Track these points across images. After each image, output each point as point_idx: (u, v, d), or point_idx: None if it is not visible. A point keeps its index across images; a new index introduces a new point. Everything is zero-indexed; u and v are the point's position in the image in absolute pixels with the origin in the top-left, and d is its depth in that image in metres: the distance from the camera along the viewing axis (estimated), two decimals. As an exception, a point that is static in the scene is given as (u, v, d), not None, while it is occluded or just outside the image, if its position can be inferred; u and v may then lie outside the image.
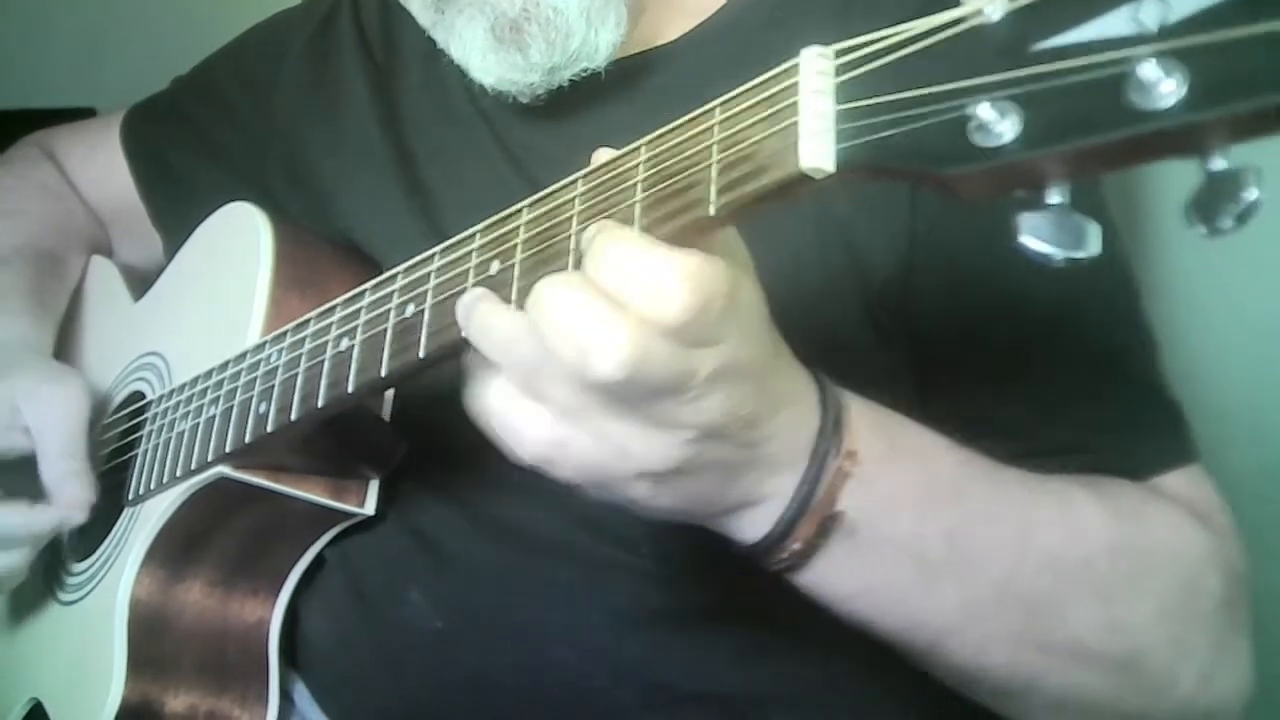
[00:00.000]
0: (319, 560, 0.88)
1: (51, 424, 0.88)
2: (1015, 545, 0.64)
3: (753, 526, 0.60)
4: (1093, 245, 0.43)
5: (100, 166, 1.12)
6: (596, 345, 0.50)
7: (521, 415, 0.54)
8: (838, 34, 0.77)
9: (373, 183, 0.93)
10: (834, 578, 0.61)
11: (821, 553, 0.60)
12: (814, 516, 0.59)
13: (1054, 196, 0.43)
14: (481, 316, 0.57)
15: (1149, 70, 0.39)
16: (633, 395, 0.52)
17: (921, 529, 0.62)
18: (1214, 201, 0.40)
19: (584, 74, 0.79)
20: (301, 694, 0.91)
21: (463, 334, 0.60)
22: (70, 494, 0.87)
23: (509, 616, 0.82)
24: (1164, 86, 0.39)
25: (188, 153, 1.08)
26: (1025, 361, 0.73)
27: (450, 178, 0.91)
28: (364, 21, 1.01)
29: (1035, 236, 0.43)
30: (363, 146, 0.95)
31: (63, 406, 0.89)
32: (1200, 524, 0.70)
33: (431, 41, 0.95)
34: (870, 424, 0.61)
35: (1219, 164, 0.40)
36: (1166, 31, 0.39)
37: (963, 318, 0.74)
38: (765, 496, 0.59)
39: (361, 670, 0.86)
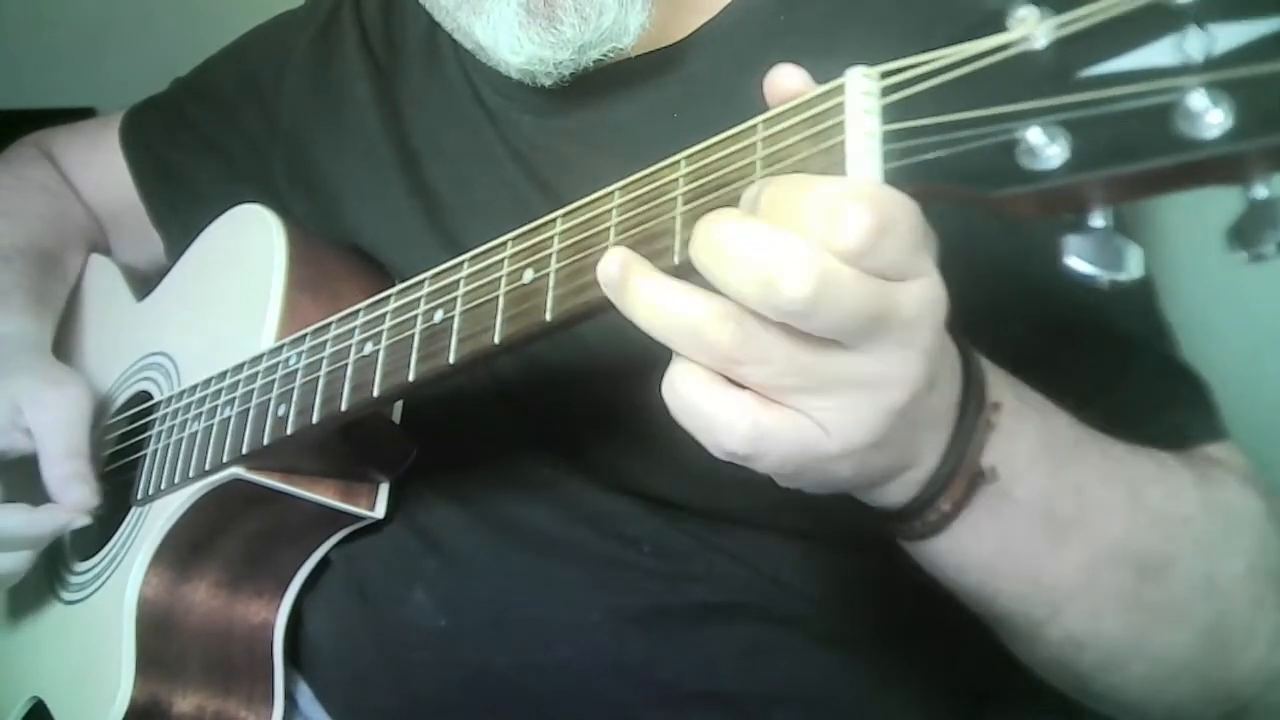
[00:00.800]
0: (323, 560, 0.88)
1: (54, 427, 0.88)
2: (1129, 502, 0.63)
3: (902, 489, 0.57)
4: (1134, 267, 0.45)
5: (99, 167, 1.11)
6: (783, 266, 0.46)
7: (719, 407, 0.49)
8: (845, 25, 0.79)
9: (377, 183, 0.94)
10: (969, 541, 0.59)
11: (966, 511, 0.57)
12: (966, 472, 0.56)
13: (1097, 219, 0.45)
14: (649, 298, 0.50)
15: (1197, 100, 0.40)
16: (835, 329, 0.47)
17: (1053, 485, 0.60)
18: (1256, 229, 0.41)
19: (610, 55, 0.80)
20: (304, 694, 0.91)
21: (496, 340, 0.61)
22: (73, 497, 0.86)
23: (511, 615, 0.82)
24: (1211, 117, 0.40)
25: (189, 153, 1.07)
26: (1055, 352, 0.72)
27: (455, 178, 0.91)
28: (366, 22, 1.01)
29: (1080, 258, 0.44)
30: (366, 147, 0.95)
31: (65, 409, 0.89)
32: (1253, 486, 0.70)
33: (434, 42, 0.95)
34: (1000, 377, 0.59)
35: (1261, 192, 0.41)
36: (1212, 63, 0.40)
37: (986, 317, 0.74)
38: (920, 456, 0.55)
39: (364, 669, 0.86)
